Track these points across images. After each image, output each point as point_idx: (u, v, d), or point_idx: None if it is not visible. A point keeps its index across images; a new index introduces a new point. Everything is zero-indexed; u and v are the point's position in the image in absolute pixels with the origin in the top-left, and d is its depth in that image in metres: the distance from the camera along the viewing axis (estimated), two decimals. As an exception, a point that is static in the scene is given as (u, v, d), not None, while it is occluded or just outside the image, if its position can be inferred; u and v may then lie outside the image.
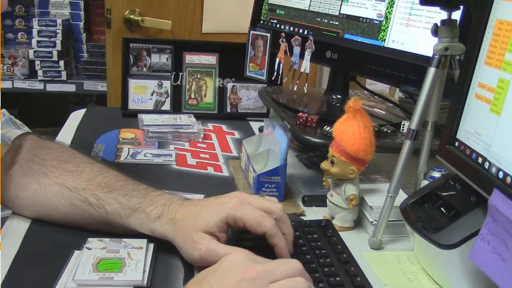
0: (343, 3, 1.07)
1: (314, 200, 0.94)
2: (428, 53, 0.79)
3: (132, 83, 1.37)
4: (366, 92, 1.30)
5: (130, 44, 1.37)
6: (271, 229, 0.69)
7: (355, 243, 0.80)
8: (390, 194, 0.79)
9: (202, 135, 1.25)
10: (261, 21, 1.26)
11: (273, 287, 0.57)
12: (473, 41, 0.68)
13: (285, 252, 0.69)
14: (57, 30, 2.31)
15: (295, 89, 1.11)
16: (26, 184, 0.79)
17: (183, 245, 0.70)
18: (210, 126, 1.35)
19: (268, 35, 1.17)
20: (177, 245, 0.71)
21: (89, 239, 0.73)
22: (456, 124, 0.70)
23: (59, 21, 2.31)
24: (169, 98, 1.39)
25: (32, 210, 0.80)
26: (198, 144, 1.22)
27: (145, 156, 1.12)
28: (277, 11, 1.22)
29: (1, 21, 2.43)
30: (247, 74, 1.23)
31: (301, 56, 1.09)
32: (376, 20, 1.01)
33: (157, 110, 1.37)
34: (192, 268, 0.72)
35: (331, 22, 1.09)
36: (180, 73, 1.39)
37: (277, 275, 0.58)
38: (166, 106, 1.38)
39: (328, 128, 0.95)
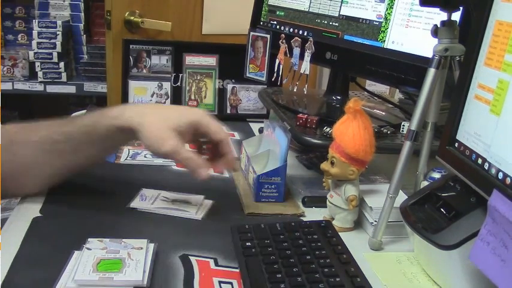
0: (342, 4, 1.07)
1: (314, 201, 0.94)
2: (428, 54, 0.79)
3: (132, 84, 1.37)
4: (365, 93, 1.30)
5: (131, 46, 1.37)
6: (227, 137, 0.87)
7: (355, 244, 0.80)
8: (390, 195, 0.79)
9: (202, 136, 1.25)
10: (261, 23, 1.26)
11: None
12: (473, 42, 0.68)
13: (232, 159, 0.88)
14: (57, 32, 2.30)
15: (295, 90, 1.11)
16: None
17: (151, 137, 0.81)
18: (210, 127, 1.35)
19: (268, 36, 1.17)
20: (142, 136, 0.81)
21: (89, 239, 0.74)
22: (456, 125, 0.70)
23: (59, 22, 2.31)
24: (169, 99, 1.39)
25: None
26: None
27: (145, 157, 1.11)
28: (277, 12, 1.22)
29: (1, 23, 2.43)
30: (247, 75, 1.23)
31: (301, 57, 1.09)
32: (376, 21, 1.01)
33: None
34: (192, 268, 0.72)
35: (330, 23, 1.10)
36: (180, 74, 1.39)
37: None
38: (166, 107, 1.38)
39: (328, 129, 0.95)
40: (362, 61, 1.02)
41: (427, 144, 0.84)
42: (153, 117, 0.82)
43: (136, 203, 0.89)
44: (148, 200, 0.90)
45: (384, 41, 0.99)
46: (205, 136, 0.87)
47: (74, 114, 1.41)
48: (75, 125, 0.85)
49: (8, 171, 0.79)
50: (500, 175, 0.60)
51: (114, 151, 0.93)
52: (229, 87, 1.42)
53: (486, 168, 0.63)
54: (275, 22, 1.23)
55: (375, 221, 0.82)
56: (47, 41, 2.30)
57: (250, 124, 1.40)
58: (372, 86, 1.43)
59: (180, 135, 0.82)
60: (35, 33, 2.30)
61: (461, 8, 0.80)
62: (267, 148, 1.00)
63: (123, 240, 0.74)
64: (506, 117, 0.61)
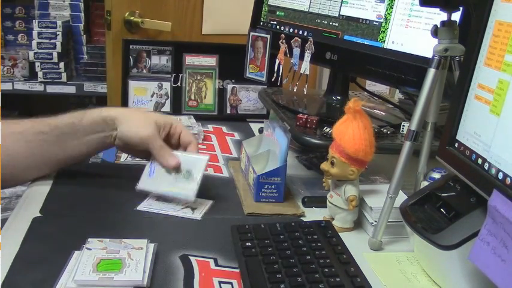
0: (342, 4, 1.07)
1: (314, 201, 0.94)
2: (428, 54, 0.79)
3: (132, 84, 1.37)
4: (365, 93, 1.30)
5: (130, 46, 1.37)
6: (195, 139, 0.96)
7: (355, 244, 0.80)
8: (390, 195, 0.79)
9: (202, 137, 1.25)
10: (261, 23, 1.26)
11: None
12: (473, 42, 0.68)
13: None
14: (57, 32, 2.30)
15: (295, 90, 1.11)
16: None
17: (131, 125, 0.89)
18: (210, 127, 1.35)
19: (268, 36, 1.17)
20: (123, 125, 0.89)
21: (89, 239, 0.73)
22: (456, 125, 0.70)
23: (59, 22, 2.31)
24: (169, 99, 1.39)
25: None
26: (198, 146, 1.22)
27: (145, 157, 1.11)
28: (277, 13, 1.22)
29: (1, 23, 2.43)
30: (247, 75, 1.23)
31: (301, 57, 1.09)
32: (376, 21, 1.01)
33: (157, 112, 1.38)
34: (192, 268, 0.72)
35: (330, 23, 1.10)
36: (180, 74, 1.39)
37: None
38: (166, 107, 1.39)
39: (328, 129, 0.95)
40: (362, 61, 1.02)
41: (427, 144, 0.84)
42: (134, 112, 0.94)
43: (143, 183, 0.91)
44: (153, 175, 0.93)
45: (384, 41, 0.99)
46: (178, 137, 0.96)
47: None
48: (62, 117, 0.90)
49: None
50: (500, 175, 0.60)
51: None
52: (229, 87, 1.42)
53: (486, 168, 0.63)
54: (275, 22, 1.23)
55: (375, 221, 0.82)
56: (47, 41, 2.30)
57: (250, 124, 1.41)
58: (372, 86, 1.43)
59: (158, 128, 0.91)
60: (35, 33, 2.30)
61: (461, 8, 0.80)
62: (267, 148, 1.00)
63: (123, 240, 0.74)
64: (506, 117, 0.61)
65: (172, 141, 0.95)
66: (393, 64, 0.96)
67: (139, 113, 0.94)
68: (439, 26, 0.77)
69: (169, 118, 0.95)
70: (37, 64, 2.31)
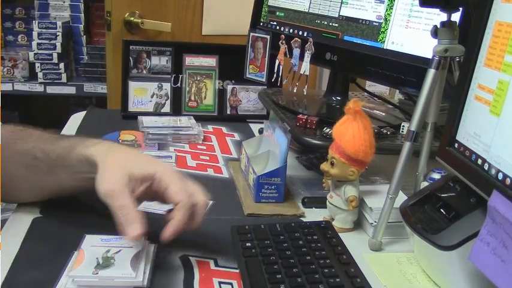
0: (342, 5, 1.08)
1: (314, 202, 0.95)
2: (428, 54, 0.79)
3: (132, 85, 1.37)
4: (365, 93, 1.30)
5: (130, 46, 1.37)
6: (185, 203, 0.70)
7: (355, 244, 0.80)
8: (390, 196, 0.79)
9: (202, 137, 1.25)
10: (261, 23, 1.27)
11: None
12: (472, 43, 0.68)
13: (171, 230, 0.68)
14: (57, 33, 2.31)
15: (295, 90, 1.11)
16: None
17: (101, 174, 0.72)
18: (210, 128, 1.35)
19: (268, 36, 1.17)
20: (97, 173, 0.73)
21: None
22: (456, 125, 0.70)
23: (59, 23, 2.31)
24: (169, 100, 1.39)
25: None
26: (198, 146, 1.22)
27: (145, 157, 1.11)
28: (277, 13, 1.22)
29: (1, 24, 2.43)
30: (247, 75, 1.23)
31: (301, 57, 1.10)
32: (376, 22, 1.01)
33: (157, 112, 1.38)
34: (192, 268, 0.72)
35: (330, 24, 1.10)
36: (180, 75, 1.39)
37: None
38: (166, 108, 1.39)
39: (328, 130, 0.95)
40: (362, 62, 1.02)
41: (427, 144, 0.84)
42: (114, 158, 0.75)
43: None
44: None
45: (384, 41, 0.99)
46: (164, 195, 0.73)
47: (73, 115, 1.41)
48: (56, 145, 0.81)
49: None
50: (500, 176, 0.60)
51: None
52: (229, 88, 1.42)
53: (486, 168, 0.63)
54: (275, 23, 1.23)
55: (375, 222, 0.82)
56: (47, 42, 2.30)
57: (250, 125, 1.41)
58: (372, 86, 1.43)
59: (131, 183, 0.71)
60: (35, 34, 2.30)
61: (461, 8, 0.80)
62: (267, 149, 1.00)
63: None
64: (506, 117, 0.61)
65: (159, 200, 0.75)
66: (393, 65, 0.96)
67: (117, 161, 0.74)
68: (438, 26, 0.77)
69: (152, 169, 0.73)
70: (37, 65, 2.31)
